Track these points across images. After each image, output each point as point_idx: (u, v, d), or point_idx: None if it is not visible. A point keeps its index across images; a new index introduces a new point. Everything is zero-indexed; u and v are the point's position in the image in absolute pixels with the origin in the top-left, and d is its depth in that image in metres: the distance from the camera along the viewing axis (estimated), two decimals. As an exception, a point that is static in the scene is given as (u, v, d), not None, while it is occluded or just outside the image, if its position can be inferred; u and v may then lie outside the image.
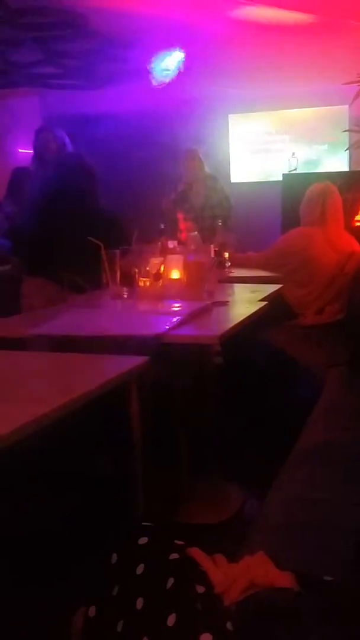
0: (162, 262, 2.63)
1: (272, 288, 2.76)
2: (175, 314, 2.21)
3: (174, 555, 1.06)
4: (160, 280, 2.62)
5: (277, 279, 3.21)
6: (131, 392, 1.74)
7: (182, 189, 5.17)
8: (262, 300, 2.50)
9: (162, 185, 5.57)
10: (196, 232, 2.87)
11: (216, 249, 3.23)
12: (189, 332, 2.06)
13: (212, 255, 3.07)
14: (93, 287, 2.78)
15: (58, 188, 3.03)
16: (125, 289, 2.63)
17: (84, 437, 2.07)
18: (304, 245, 3.29)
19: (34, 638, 1.64)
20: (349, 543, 1.37)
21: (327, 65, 5.20)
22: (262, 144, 7.03)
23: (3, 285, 2.99)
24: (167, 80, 5.21)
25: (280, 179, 5.14)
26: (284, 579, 1.02)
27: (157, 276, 2.61)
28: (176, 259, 2.65)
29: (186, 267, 2.60)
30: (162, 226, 3.86)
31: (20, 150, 7.62)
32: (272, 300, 2.59)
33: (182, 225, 3.94)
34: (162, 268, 2.62)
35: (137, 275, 2.64)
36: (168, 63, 5.11)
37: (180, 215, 4.14)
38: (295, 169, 5.89)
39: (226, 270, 3.35)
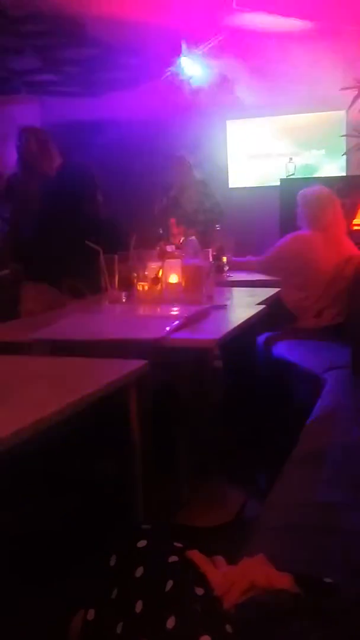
0: (161, 267, 2.63)
1: (270, 292, 2.76)
2: (174, 317, 2.21)
3: (173, 558, 1.06)
4: (159, 285, 2.62)
5: (276, 282, 3.22)
6: (130, 395, 1.74)
7: (173, 195, 5.24)
8: (260, 303, 2.50)
9: (160, 192, 5.60)
10: (194, 237, 2.88)
11: (214, 253, 3.23)
12: (187, 335, 2.06)
13: (211, 259, 3.07)
14: (92, 292, 2.79)
15: (60, 194, 3.05)
16: (123, 293, 2.63)
17: (84, 439, 2.07)
18: (302, 249, 3.30)
19: (33, 641, 1.64)
20: (349, 545, 1.36)
21: (325, 71, 5.22)
22: (260, 150, 7.04)
23: (2, 290, 2.99)
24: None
25: (278, 184, 5.15)
26: (284, 581, 1.02)
27: (156, 280, 2.61)
28: (174, 264, 2.65)
29: (184, 271, 2.60)
30: (160, 231, 3.87)
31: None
32: (271, 303, 2.59)
33: (174, 229, 3.96)
34: (160, 272, 2.62)
35: (135, 280, 2.64)
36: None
37: (172, 220, 4.17)
38: (292, 174, 5.90)
39: (224, 274, 3.36)
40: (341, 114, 6.10)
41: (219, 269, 3.23)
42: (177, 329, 2.06)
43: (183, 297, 2.53)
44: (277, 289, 2.84)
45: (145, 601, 1.00)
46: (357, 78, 4.06)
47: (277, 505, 1.65)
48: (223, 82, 5.76)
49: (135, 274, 2.63)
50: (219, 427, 2.77)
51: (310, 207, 3.38)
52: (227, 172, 7.17)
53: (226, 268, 3.38)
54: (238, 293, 2.94)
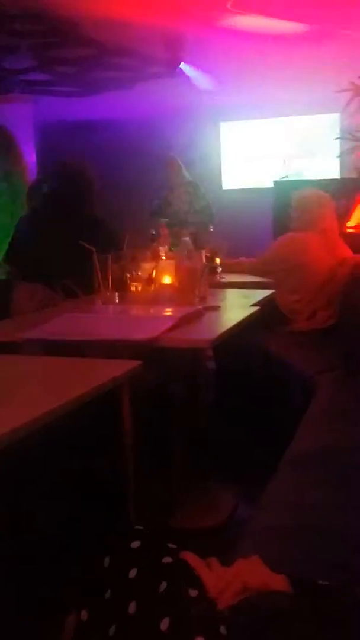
0: (154, 267, 2.63)
1: (264, 293, 2.76)
2: (167, 318, 2.20)
3: (167, 559, 1.05)
4: (152, 285, 2.61)
5: (269, 284, 3.22)
6: (123, 395, 1.74)
7: (164, 195, 5.26)
8: (254, 305, 2.50)
9: (154, 192, 5.61)
10: (188, 238, 2.87)
11: (208, 254, 3.22)
12: (181, 336, 2.05)
13: (204, 260, 3.07)
14: (85, 292, 2.78)
15: (56, 194, 3.04)
16: (116, 293, 2.62)
17: (76, 440, 2.06)
18: (295, 250, 3.30)
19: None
20: (342, 547, 1.36)
21: (319, 73, 5.24)
22: (253, 152, 7.05)
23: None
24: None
25: (272, 186, 5.16)
26: (278, 583, 1.02)
27: (149, 281, 2.60)
28: (168, 264, 2.65)
29: (178, 272, 2.60)
30: (153, 232, 3.86)
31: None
32: (264, 305, 2.59)
33: (164, 230, 3.97)
34: (153, 273, 2.62)
35: (129, 280, 2.64)
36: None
37: (162, 225, 4.18)
38: (286, 176, 5.92)
39: (218, 275, 3.35)
40: (335, 116, 6.13)
41: (212, 270, 3.22)
42: (171, 329, 2.06)
43: (176, 298, 2.52)
44: (270, 291, 2.84)
45: (139, 602, 0.99)
46: (352, 81, 4.06)
47: (270, 506, 1.65)
48: (217, 84, 5.77)
49: (129, 275, 2.63)
50: (211, 429, 2.77)
51: (304, 209, 3.39)
52: (221, 174, 7.19)
53: (219, 269, 3.37)
54: (231, 294, 2.94)
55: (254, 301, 2.57)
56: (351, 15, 3.98)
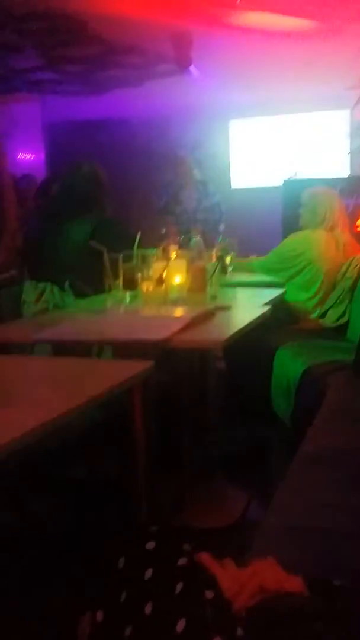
0: (165, 267, 2.63)
1: (275, 292, 2.76)
2: (179, 319, 2.20)
3: (183, 561, 1.05)
4: (163, 285, 2.61)
5: (279, 283, 3.22)
6: (135, 396, 1.74)
7: (173, 193, 5.26)
8: (265, 304, 2.49)
9: (162, 190, 5.60)
10: (199, 237, 2.87)
11: (218, 253, 3.23)
12: (193, 337, 2.05)
13: (214, 259, 3.07)
14: (95, 292, 2.78)
15: (68, 194, 3.04)
16: (127, 293, 2.62)
17: (88, 440, 2.07)
18: (305, 248, 3.30)
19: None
20: (356, 548, 1.36)
21: (328, 70, 5.22)
22: (263, 150, 7.04)
23: (6, 291, 2.99)
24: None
25: (281, 184, 5.15)
26: (294, 584, 1.02)
27: (160, 281, 2.60)
28: (179, 264, 2.65)
29: (189, 272, 2.60)
30: (163, 231, 3.87)
31: (20, 156, 7.64)
32: (275, 304, 2.58)
33: (171, 228, 3.97)
34: (164, 273, 2.61)
35: (139, 280, 2.64)
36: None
37: (170, 219, 4.18)
38: (295, 175, 5.90)
39: (228, 274, 3.35)
40: (345, 113, 6.11)
41: (223, 269, 3.22)
42: (182, 330, 2.06)
43: (187, 298, 2.52)
44: (281, 290, 2.83)
45: (155, 603, 1.00)
46: (361, 78, 4.06)
47: (282, 507, 1.65)
48: (226, 82, 5.76)
49: (139, 274, 2.63)
50: (222, 428, 2.77)
51: (314, 206, 3.38)
52: (230, 173, 7.18)
53: (230, 268, 3.37)
54: (242, 294, 2.93)
55: (264, 300, 2.56)
56: (360, 11, 3.97)
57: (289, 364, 2.84)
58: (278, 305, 2.68)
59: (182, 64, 4.97)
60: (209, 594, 1.01)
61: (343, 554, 1.36)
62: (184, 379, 2.50)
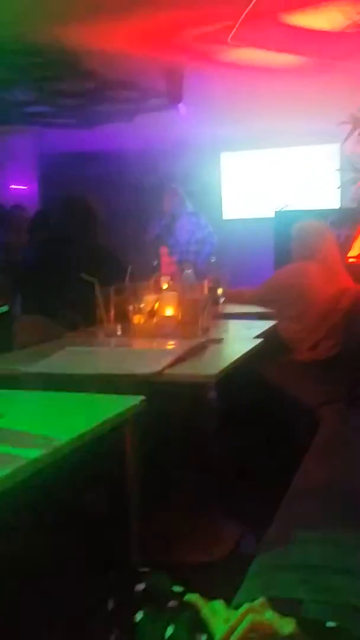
0: (157, 299, 2.63)
1: (267, 324, 2.76)
2: (170, 352, 2.20)
3: (173, 603, 1.03)
4: (155, 318, 2.61)
5: (271, 314, 3.22)
6: (126, 430, 1.72)
7: (165, 224, 5.31)
8: (257, 337, 2.50)
9: (155, 223, 5.65)
10: (190, 270, 2.88)
11: (210, 285, 3.24)
12: (184, 370, 2.05)
13: (206, 291, 3.08)
14: (87, 324, 2.78)
15: (61, 229, 3.06)
16: (119, 326, 2.62)
17: (78, 475, 2.04)
18: (297, 280, 3.31)
19: None
20: (351, 585, 1.34)
21: (319, 105, 5.31)
22: (254, 182, 7.12)
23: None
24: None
25: (273, 216, 5.20)
26: (286, 626, 1.00)
27: (152, 313, 2.61)
28: (170, 296, 2.65)
29: (181, 304, 2.60)
30: (155, 263, 3.88)
31: (12, 187, 7.70)
32: (268, 336, 2.58)
33: (166, 259, 3.98)
34: (156, 305, 2.62)
35: (131, 312, 2.64)
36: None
37: (163, 249, 4.19)
38: (286, 206, 5.96)
39: (220, 306, 3.36)
40: (335, 147, 6.20)
41: (215, 301, 3.23)
42: (174, 363, 2.05)
43: (179, 331, 2.52)
44: (273, 322, 2.84)
45: (145, 647, 0.98)
46: (352, 113, 4.12)
47: (275, 542, 1.63)
48: (217, 116, 5.84)
49: (131, 307, 2.63)
50: (214, 460, 2.75)
51: (303, 239, 3.41)
52: (221, 204, 7.24)
53: (221, 300, 3.38)
54: (234, 325, 2.94)
55: (257, 333, 2.57)
56: (350, 48, 4.04)
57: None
58: (270, 336, 2.69)
59: (174, 98, 5.04)
60: (200, 637, 0.99)
61: (336, 592, 1.34)
62: (176, 412, 2.49)
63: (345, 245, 4.22)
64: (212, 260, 3.78)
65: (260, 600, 1.06)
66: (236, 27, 3.93)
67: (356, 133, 4.09)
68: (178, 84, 4.92)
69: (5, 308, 2.21)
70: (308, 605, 1.27)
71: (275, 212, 5.24)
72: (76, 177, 6.44)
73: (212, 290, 3.21)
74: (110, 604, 1.08)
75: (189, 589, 1.08)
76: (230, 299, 3.48)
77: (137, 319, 2.61)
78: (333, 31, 4.01)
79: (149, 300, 2.62)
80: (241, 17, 3.78)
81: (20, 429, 1.48)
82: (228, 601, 1.08)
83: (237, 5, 3.63)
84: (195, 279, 2.88)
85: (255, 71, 4.82)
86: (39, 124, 6.26)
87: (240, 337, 2.58)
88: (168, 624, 1.00)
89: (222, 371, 2.02)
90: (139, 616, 1.02)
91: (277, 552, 1.57)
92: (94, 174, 6.77)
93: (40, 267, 3.00)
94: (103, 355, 2.36)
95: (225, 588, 1.18)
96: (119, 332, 2.61)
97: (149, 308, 2.60)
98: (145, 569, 1.13)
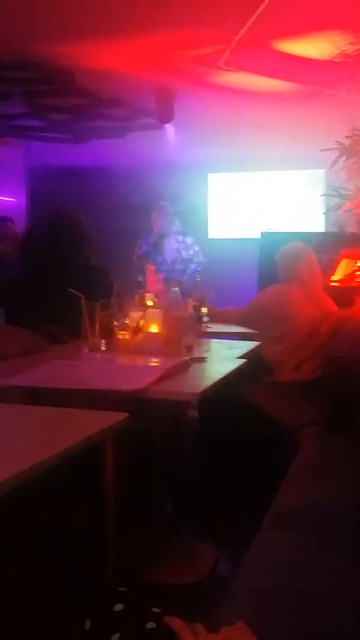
0: (142, 316, 2.63)
1: (250, 345, 2.77)
2: (154, 369, 2.20)
3: (151, 624, 1.02)
4: (139, 334, 2.61)
5: (254, 334, 3.24)
6: (107, 447, 1.71)
7: (152, 241, 5.34)
8: (241, 357, 2.50)
9: (142, 240, 5.66)
10: (177, 288, 2.89)
11: (195, 303, 3.25)
12: (167, 388, 2.04)
13: (191, 310, 3.08)
14: (71, 338, 2.77)
15: (49, 242, 3.06)
16: (103, 341, 2.62)
17: (54, 491, 2.02)
18: (280, 302, 3.33)
19: None
20: (329, 610, 1.33)
21: (306, 131, 5.38)
22: (241, 203, 7.17)
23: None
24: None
25: (259, 236, 5.24)
26: (264, 651, 1.00)
27: (136, 330, 2.61)
28: (155, 314, 2.66)
29: (165, 322, 2.61)
30: (140, 279, 3.89)
31: (1, 198, 7.69)
32: (251, 357, 2.59)
33: (152, 277, 3.98)
34: (141, 322, 2.62)
35: (116, 328, 2.64)
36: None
37: (150, 267, 4.21)
38: (272, 228, 6.02)
39: (204, 325, 3.37)
40: (321, 172, 6.27)
41: (199, 319, 3.24)
42: (157, 381, 2.05)
43: (163, 348, 2.52)
44: (256, 343, 2.85)
45: (121, 670, 0.96)
46: (337, 140, 4.18)
47: (253, 566, 1.62)
48: (205, 137, 5.90)
49: (116, 322, 2.63)
50: (194, 481, 2.73)
51: (288, 261, 3.44)
52: (207, 223, 7.28)
53: (205, 319, 3.39)
54: (217, 345, 2.94)
55: (240, 353, 2.57)
56: (338, 77, 4.11)
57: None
58: (253, 356, 2.69)
59: (165, 118, 5.09)
60: (178, 661, 0.98)
61: (314, 617, 1.33)
62: (158, 429, 2.48)
63: (329, 268, 4.26)
64: (198, 279, 3.80)
65: (239, 624, 1.06)
66: (228, 51, 3.99)
67: (342, 160, 4.14)
68: (169, 104, 4.96)
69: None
70: (285, 630, 1.26)
71: (261, 233, 5.28)
72: (65, 191, 6.44)
73: (197, 309, 3.22)
74: (87, 625, 1.07)
75: (168, 610, 1.07)
76: (215, 318, 3.49)
77: (122, 334, 2.60)
78: (322, 60, 4.09)
79: (134, 317, 2.62)
80: (234, 42, 3.84)
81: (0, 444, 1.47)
82: (206, 624, 1.07)
83: (230, 30, 3.69)
84: (180, 297, 2.88)
85: (245, 95, 4.89)
86: (29, 137, 6.28)
87: (223, 357, 2.59)
88: (145, 646, 0.99)
89: (205, 390, 2.02)
90: (115, 637, 1.01)
91: (255, 575, 1.56)
92: (83, 189, 6.78)
93: (26, 280, 2.98)
94: (86, 370, 2.35)
95: (202, 610, 1.17)
96: (103, 347, 2.60)
97: (134, 324, 2.60)
98: (123, 589, 1.11)
